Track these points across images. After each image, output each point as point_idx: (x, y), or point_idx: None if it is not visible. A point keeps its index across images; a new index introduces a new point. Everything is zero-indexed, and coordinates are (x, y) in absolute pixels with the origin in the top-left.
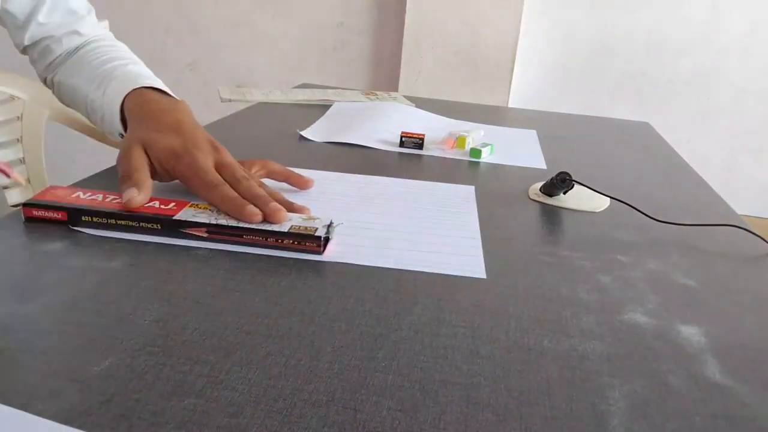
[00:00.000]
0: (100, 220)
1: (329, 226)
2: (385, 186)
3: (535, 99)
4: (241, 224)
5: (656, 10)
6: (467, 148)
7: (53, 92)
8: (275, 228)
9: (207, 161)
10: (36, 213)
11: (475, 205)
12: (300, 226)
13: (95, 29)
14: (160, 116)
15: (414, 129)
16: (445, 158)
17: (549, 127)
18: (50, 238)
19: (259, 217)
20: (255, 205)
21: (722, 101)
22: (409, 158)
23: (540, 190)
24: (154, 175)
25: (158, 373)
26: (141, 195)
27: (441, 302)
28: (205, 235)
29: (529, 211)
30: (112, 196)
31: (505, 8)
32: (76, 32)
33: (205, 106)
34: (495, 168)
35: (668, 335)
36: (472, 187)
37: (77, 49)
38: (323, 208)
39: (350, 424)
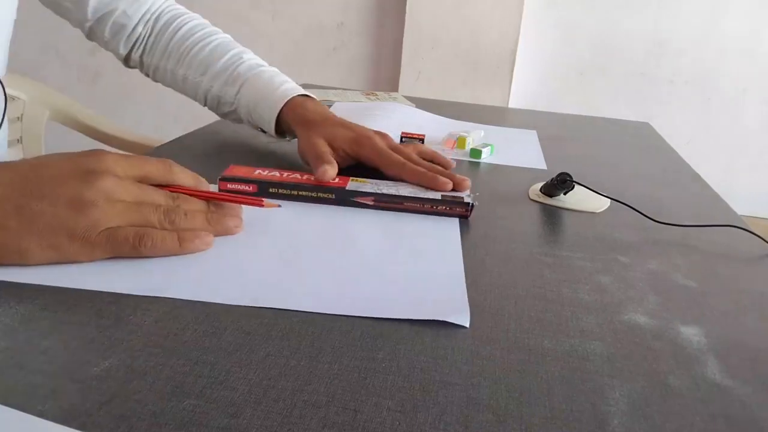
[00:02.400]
0: (286, 191)
1: (471, 195)
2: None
3: (535, 99)
4: (401, 193)
5: (657, 10)
6: (467, 148)
7: (141, 71)
8: (429, 196)
9: (383, 144)
10: (231, 186)
11: (458, 235)
12: (448, 195)
13: None
14: (327, 119)
15: (414, 129)
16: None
17: (549, 127)
18: None
19: (450, 186)
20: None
21: (723, 101)
22: None
23: (540, 190)
24: (336, 161)
25: (158, 374)
26: (333, 169)
27: None
28: (371, 203)
29: (530, 212)
30: (287, 173)
31: (505, 8)
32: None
33: (203, 108)
34: (495, 168)
35: (668, 336)
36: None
37: (165, 26)
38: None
39: (350, 425)
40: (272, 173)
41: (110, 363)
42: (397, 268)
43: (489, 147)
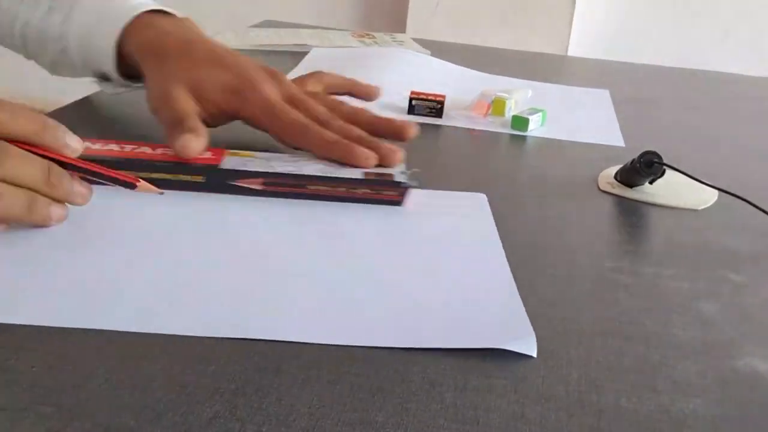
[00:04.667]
0: (129, 172)
1: (407, 171)
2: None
3: (607, 44)
4: (303, 171)
5: None
6: (507, 115)
7: None
8: (344, 175)
9: (277, 95)
10: None
11: (494, 228)
12: (373, 172)
13: None
14: (190, 49)
15: (430, 87)
16: (474, 130)
17: (628, 85)
18: None
19: (374, 161)
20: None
21: None
22: (421, 131)
23: (615, 177)
24: (205, 121)
25: None
26: (199, 141)
27: None
28: (260, 187)
29: (599, 208)
30: (131, 146)
31: None
32: None
33: None
34: (548, 145)
35: None
36: (483, 196)
37: None
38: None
39: None
40: (107, 146)
41: None
42: (418, 281)
43: (539, 114)
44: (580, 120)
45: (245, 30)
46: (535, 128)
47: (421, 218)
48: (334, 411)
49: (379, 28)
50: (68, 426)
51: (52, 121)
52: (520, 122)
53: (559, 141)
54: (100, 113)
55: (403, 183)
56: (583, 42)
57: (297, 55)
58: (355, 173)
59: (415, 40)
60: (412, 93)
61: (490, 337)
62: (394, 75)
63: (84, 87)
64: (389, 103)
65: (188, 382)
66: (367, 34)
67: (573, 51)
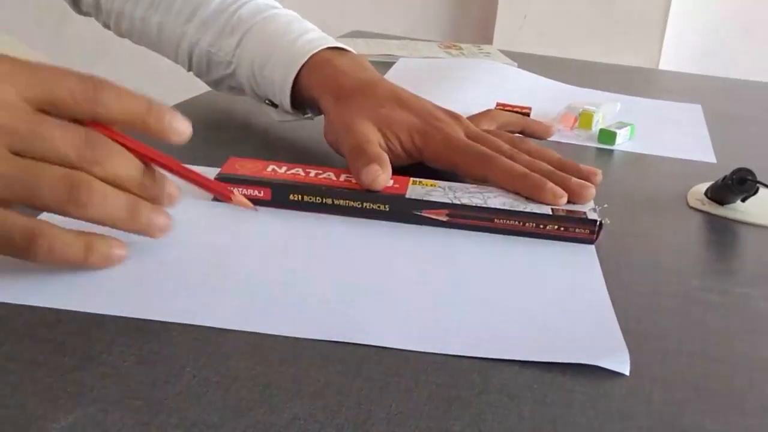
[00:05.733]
0: (314, 199)
1: (596, 208)
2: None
3: (700, 58)
4: (489, 204)
5: None
6: (595, 128)
7: (98, 19)
8: (534, 210)
9: (460, 133)
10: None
11: (593, 255)
12: (561, 208)
13: None
14: (372, 90)
15: (515, 99)
16: (560, 143)
17: (721, 100)
18: None
19: (565, 199)
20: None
21: None
22: None
23: (706, 194)
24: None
25: None
26: (385, 173)
27: None
28: (445, 219)
29: (689, 226)
30: (316, 171)
31: None
32: None
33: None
34: (636, 160)
35: None
36: None
37: None
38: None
39: None
40: (293, 171)
41: (75, 419)
42: (514, 297)
43: (627, 128)
44: (670, 135)
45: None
46: (622, 142)
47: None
48: (411, 418)
49: (467, 40)
50: (155, 420)
51: (157, 103)
52: (607, 136)
53: (648, 156)
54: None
55: (596, 221)
56: (675, 56)
57: (384, 65)
58: (544, 208)
59: (502, 51)
60: (498, 104)
61: (582, 353)
62: (480, 86)
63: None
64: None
65: (271, 383)
66: (454, 45)
67: (664, 65)
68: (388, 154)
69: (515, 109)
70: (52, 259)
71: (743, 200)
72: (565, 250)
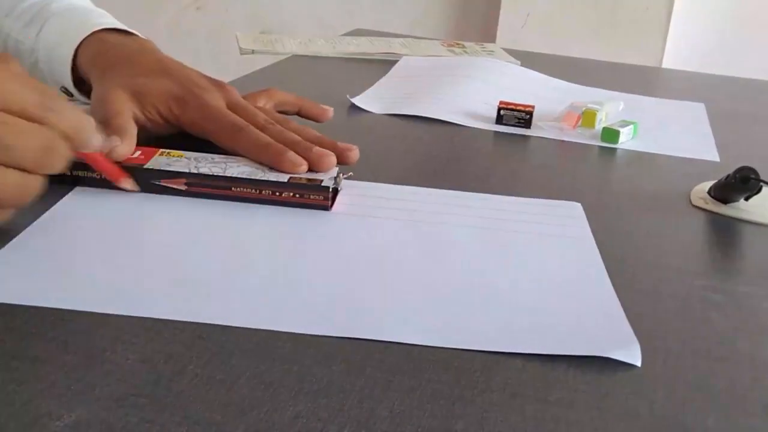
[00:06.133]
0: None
1: (336, 176)
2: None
3: (704, 57)
4: (228, 173)
5: None
6: (598, 127)
7: None
8: (270, 178)
9: (219, 101)
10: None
11: (590, 235)
12: (301, 177)
13: None
14: (136, 59)
15: (518, 98)
16: (563, 142)
17: (725, 99)
18: None
19: (305, 167)
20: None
21: None
22: (509, 141)
23: (709, 193)
24: (144, 126)
25: None
26: (125, 144)
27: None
28: (184, 188)
29: (692, 224)
30: None
31: None
32: None
33: (215, 60)
34: (639, 158)
35: None
36: (578, 205)
37: None
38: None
39: None
40: None
41: (78, 416)
42: (519, 290)
43: (630, 126)
44: (674, 133)
45: (337, 38)
46: (626, 141)
47: (518, 225)
48: (414, 416)
49: (470, 39)
50: (160, 417)
51: (91, 127)
52: (610, 134)
53: (651, 154)
54: None
55: (329, 187)
56: (678, 54)
57: (387, 64)
58: (282, 176)
59: (505, 50)
60: (501, 103)
61: (593, 345)
62: (483, 84)
63: None
64: (477, 113)
65: (273, 381)
66: (457, 44)
67: (667, 63)
68: (146, 122)
69: (518, 108)
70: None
71: (746, 199)
72: (563, 243)
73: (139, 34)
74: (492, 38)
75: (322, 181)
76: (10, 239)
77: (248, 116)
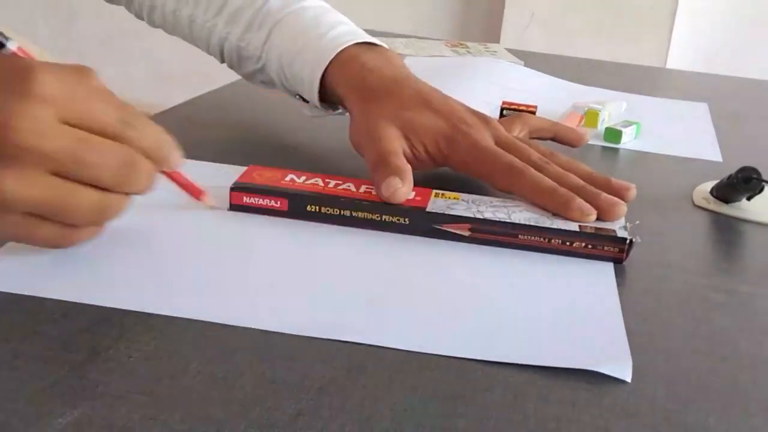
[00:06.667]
0: (331, 210)
1: (626, 225)
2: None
3: (707, 58)
4: (513, 219)
5: None
6: (600, 127)
7: (130, 9)
8: (559, 226)
9: (488, 140)
10: (247, 200)
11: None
12: (588, 225)
13: None
14: (399, 90)
15: (521, 98)
16: None
17: (728, 99)
18: None
19: (593, 216)
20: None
21: None
22: None
23: (711, 192)
24: (410, 162)
25: (146, 431)
26: (405, 186)
27: None
28: (467, 233)
29: (694, 224)
30: (335, 181)
31: None
32: None
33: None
34: (642, 158)
35: None
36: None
37: None
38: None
39: None
40: (311, 180)
41: (81, 413)
42: (522, 303)
43: (633, 126)
44: (676, 133)
45: None
46: (628, 141)
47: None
48: (416, 415)
49: (474, 39)
50: (161, 414)
51: (169, 145)
52: (613, 134)
53: (654, 154)
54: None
55: (626, 239)
56: (682, 55)
57: None
58: (571, 225)
59: (508, 50)
60: (504, 103)
61: (585, 359)
62: (486, 84)
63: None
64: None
65: (275, 379)
66: (461, 44)
67: (672, 64)
68: (413, 160)
69: (521, 108)
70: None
71: (749, 199)
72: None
73: (383, 44)
74: (496, 38)
75: (615, 231)
76: None
77: (522, 155)
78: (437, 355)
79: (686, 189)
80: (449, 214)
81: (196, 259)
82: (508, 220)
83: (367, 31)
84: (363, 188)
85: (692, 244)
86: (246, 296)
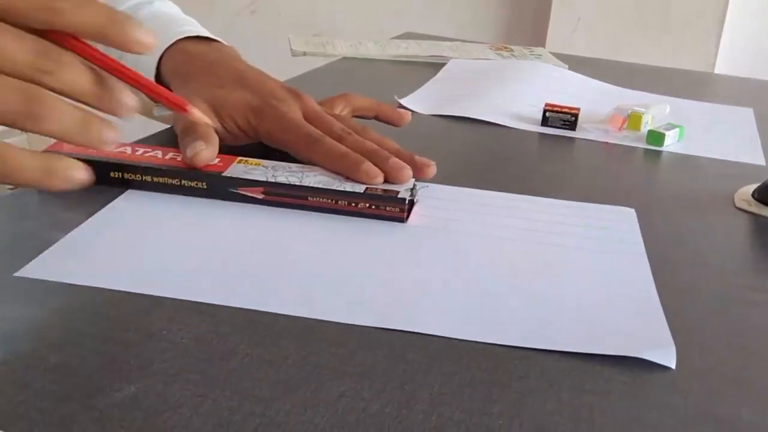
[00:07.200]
0: (132, 176)
1: (413, 188)
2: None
3: (756, 62)
4: (304, 183)
5: None
6: (643, 130)
7: None
8: (347, 188)
9: (296, 112)
10: None
11: (640, 241)
12: (377, 188)
13: None
14: (215, 70)
15: (564, 100)
16: (608, 144)
17: None
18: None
19: (381, 178)
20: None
21: None
22: (554, 143)
23: (753, 195)
24: (222, 137)
25: (197, 407)
26: (209, 149)
27: None
28: (261, 196)
29: (735, 226)
30: (144, 149)
31: None
32: None
33: (267, 62)
34: (684, 161)
35: None
36: (632, 211)
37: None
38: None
39: None
40: (120, 149)
41: (136, 389)
42: (561, 290)
43: (676, 129)
44: (719, 137)
45: (386, 41)
46: (671, 144)
47: (569, 228)
48: (454, 399)
49: (519, 43)
50: (211, 392)
51: (120, 13)
52: (655, 137)
53: (696, 157)
54: None
55: (405, 199)
56: (731, 60)
57: (435, 66)
58: (358, 187)
59: (553, 54)
60: (547, 105)
61: (628, 345)
62: (529, 86)
63: None
64: (523, 115)
65: (319, 363)
66: (505, 47)
67: (720, 69)
68: (224, 134)
69: (564, 110)
70: (9, 181)
71: None
72: (611, 248)
73: (222, 41)
74: (541, 43)
75: (398, 192)
76: (70, 230)
77: (325, 126)
78: (475, 342)
79: (728, 191)
80: (244, 178)
81: (236, 250)
82: (299, 183)
83: (412, 34)
84: (170, 155)
85: (732, 245)
86: (292, 286)
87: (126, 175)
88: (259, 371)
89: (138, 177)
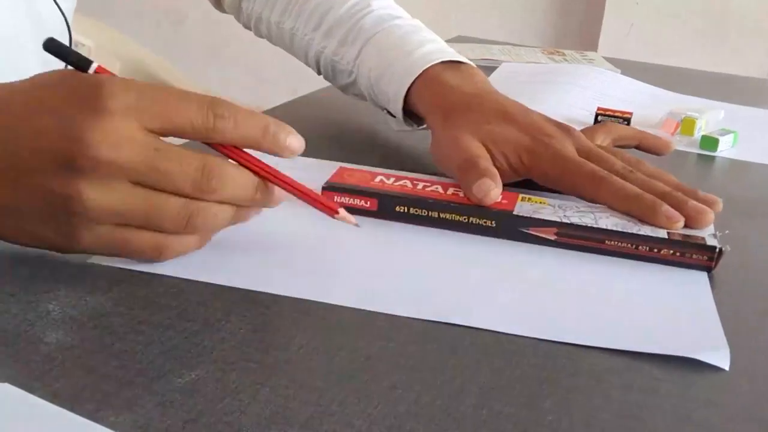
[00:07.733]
0: (420, 211)
1: (716, 234)
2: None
3: None
4: (600, 225)
5: None
6: (697, 134)
7: (239, 19)
8: (648, 233)
9: (570, 149)
10: (338, 199)
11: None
12: (676, 233)
13: None
14: (477, 104)
15: (617, 104)
16: None
17: None
18: None
19: (682, 223)
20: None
21: None
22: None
23: None
24: None
25: (254, 394)
26: (497, 187)
27: None
28: (553, 237)
29: None
30: (423, 183)
31: None
32: None
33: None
34: (738, 166)
35: None
36: None
37: None
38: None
39: None
40: (400, 182)
41: (197, 375)
42: (615, 289)
43: (731, 135)
44: None
45: None
46: (725, 149)
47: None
48: (503, 393)
49: (570, 45)
50: (269, 380)
51: (273, 123)
52: (709, 142)
53: (750, 163)
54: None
55: (716, 247)
56: None
57: (486, 70)
58: (659, 232)
59: (605, 59)
60: (599, 109)
61: (683, 346)
62: (582, 91)
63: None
64: (576, 118)
65: (371, 355)
66: (557, 51)
67: None
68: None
69: (616, 114)
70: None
71: None
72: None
73: (468, 61)
74: (594, 47)
75: (704, 239)
76: None
77: (605, 163)
78: (525, 339)
79: None
80: (536, 218)
81: (297, 245)
82: (594, 225)
83: (463, 38)
84: (451, 190)
85: None
86: (346, 280)
87: (412, 210)
88: (313, 361)
89: (424, 212)
